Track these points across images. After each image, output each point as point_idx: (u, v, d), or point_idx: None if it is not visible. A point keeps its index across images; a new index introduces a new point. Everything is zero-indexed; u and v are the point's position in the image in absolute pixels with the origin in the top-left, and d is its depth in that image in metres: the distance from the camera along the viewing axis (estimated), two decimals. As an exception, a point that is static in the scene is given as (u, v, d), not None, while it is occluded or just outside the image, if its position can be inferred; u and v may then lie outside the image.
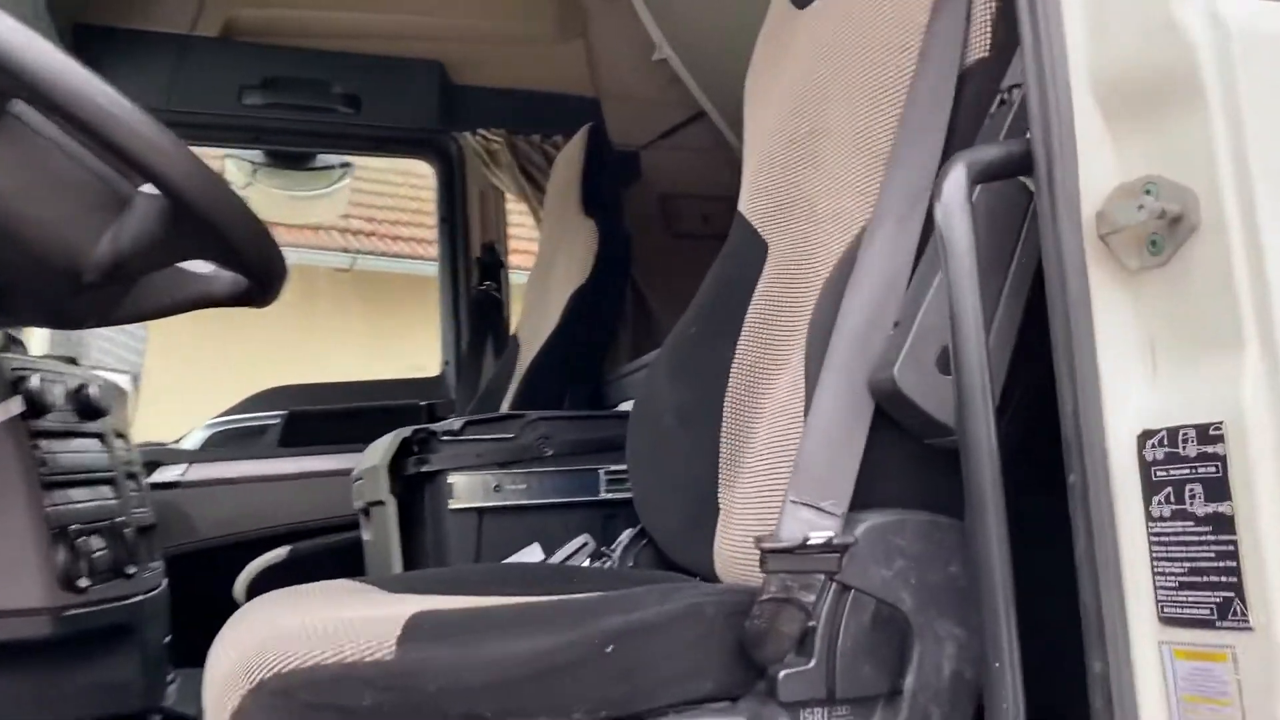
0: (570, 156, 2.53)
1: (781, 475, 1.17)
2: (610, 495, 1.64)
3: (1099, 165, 0.80)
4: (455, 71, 2.93)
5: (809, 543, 0.84)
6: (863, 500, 0.89)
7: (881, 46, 1.15)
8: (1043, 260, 0.82)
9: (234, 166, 3.00)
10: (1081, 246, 0.79)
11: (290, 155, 2.95)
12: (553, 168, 2.72)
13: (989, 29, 1.01)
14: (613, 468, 1.65)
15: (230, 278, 1.02)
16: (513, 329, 2.78)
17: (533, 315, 2.59)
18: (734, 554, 1.20)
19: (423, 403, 2.80)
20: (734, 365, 1.31)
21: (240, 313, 1.09)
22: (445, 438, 1.58)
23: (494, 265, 2.94)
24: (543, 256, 2.67)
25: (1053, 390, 0.81)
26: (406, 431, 1.57)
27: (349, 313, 7.13)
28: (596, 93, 3.09)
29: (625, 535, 1.49)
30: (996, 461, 0.78)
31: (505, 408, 2.36)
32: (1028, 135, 0.85)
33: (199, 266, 1.02)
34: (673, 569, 1.33)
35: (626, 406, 2.21)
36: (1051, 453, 0.83)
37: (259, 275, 0.95)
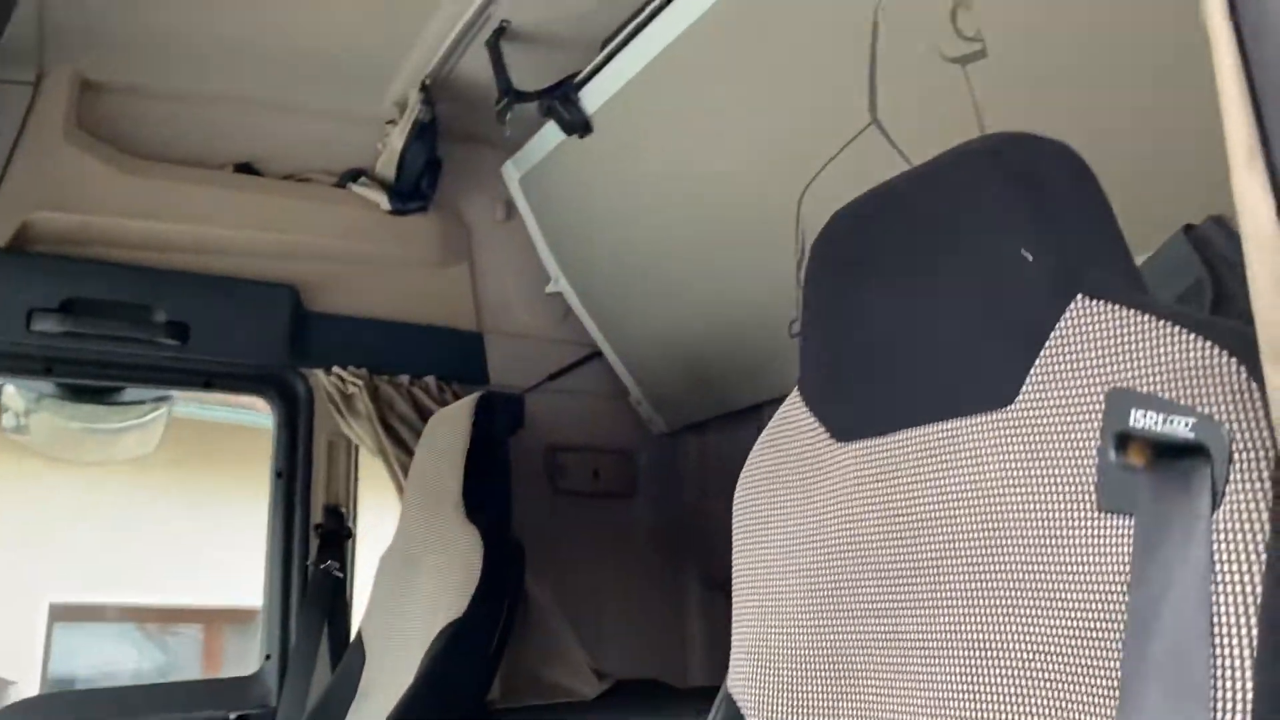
0: (451, 430, 2.05)
1: None
2: None
3: None
4: (311, 297, 2.42)
5: None
6: None
7: (1042, 533, 0.74)
8: None
9: (11, 390, 2.38)
10: None
11: (91, 388, 2.35)
12: (426, 430, 2.21)
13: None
14: None
15: None
16: (357, 623, 2.22)
17: (386, 623, 2.05)
18: None
19: (233, 715, 2.19)
20: None
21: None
22: None
23: (338, 536, 2.37)
24: (406, 542, 2.14)
25: None
26: None
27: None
28: (479, 327, 2.65)
29: None
30: None
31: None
32: None
33: None
34: None
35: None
36: None
37: None
